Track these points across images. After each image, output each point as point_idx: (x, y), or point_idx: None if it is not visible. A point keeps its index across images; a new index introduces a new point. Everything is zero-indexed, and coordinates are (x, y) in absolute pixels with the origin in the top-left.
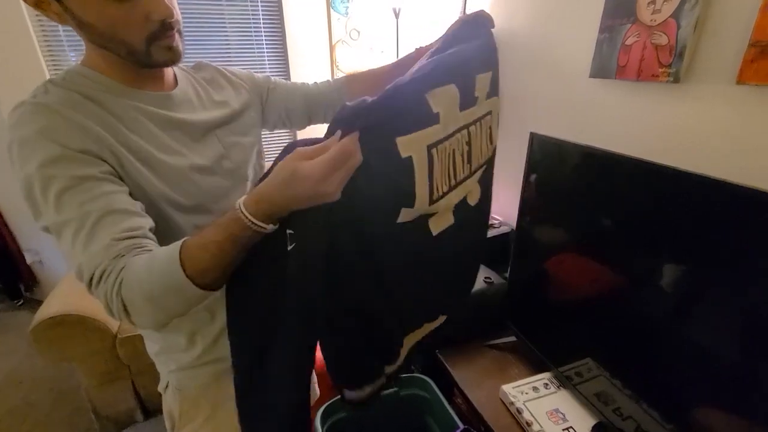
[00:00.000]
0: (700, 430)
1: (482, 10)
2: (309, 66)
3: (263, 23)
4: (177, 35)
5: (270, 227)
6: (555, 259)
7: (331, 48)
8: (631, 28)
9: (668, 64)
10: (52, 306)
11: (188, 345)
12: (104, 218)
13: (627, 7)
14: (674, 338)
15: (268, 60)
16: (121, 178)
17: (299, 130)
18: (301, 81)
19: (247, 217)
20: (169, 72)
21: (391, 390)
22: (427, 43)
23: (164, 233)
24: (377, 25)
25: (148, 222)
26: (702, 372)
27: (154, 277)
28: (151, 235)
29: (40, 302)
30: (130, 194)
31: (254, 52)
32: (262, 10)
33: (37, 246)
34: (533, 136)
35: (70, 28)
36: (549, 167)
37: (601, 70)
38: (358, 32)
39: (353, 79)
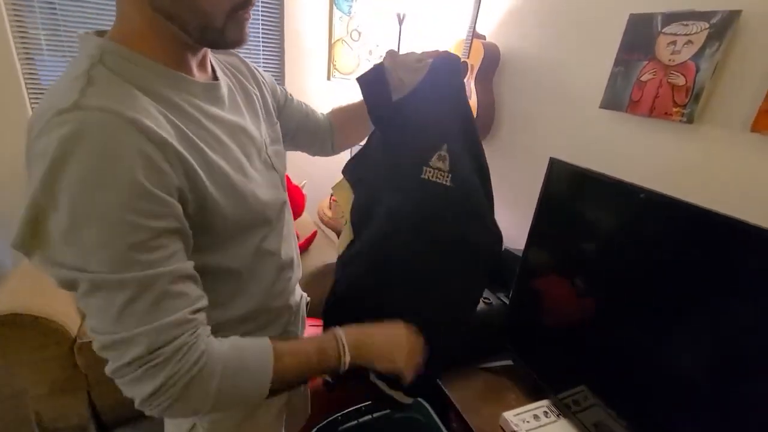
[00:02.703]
0: None
1: (456, 58)
2: (305, 61)
3: (261, 13)
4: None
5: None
6: (560, 287)
7: (330, 46)
8: (648, 65)
9: (683, 104)
10: None
11: None
12: (174, 286)
13: (646, 44)
14: (670, 372)
15: (263, 51)
16: (185, 211)
17: (288, 151)
18: (295, 80)
19: (342, 355)
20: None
21: (383, 412)
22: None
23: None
24: (379, 29)
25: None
26: (692, 406)
27: (243, 370)
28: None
29: None
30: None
31: (249, 41)
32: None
33: None
34: (552, 163)
35: (51, 27)
36: (566, 195)
37: (612, 102)
38: (359, 33)
39: (338, 111)
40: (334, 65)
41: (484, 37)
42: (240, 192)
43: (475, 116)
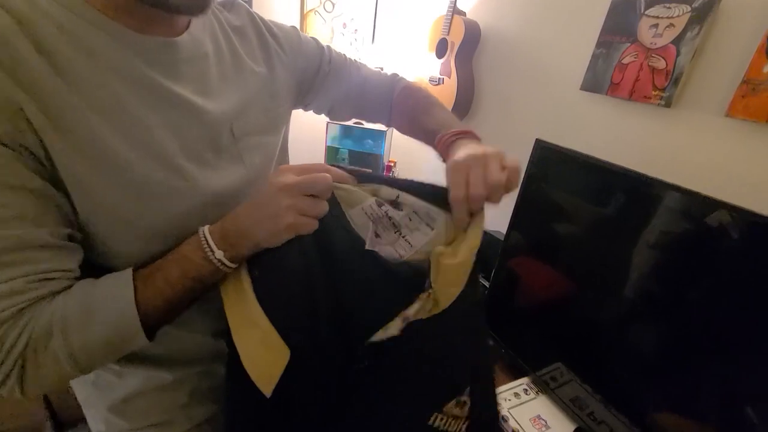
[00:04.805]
0: None
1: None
2: None
3: None
4: None
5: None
6: (540, 269)
7: (303, 17)
8: (629, 47)
9: (663, 87)
10: None
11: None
12: (12, 255)
13: (628, 26)
14: (640, 349)
15: None
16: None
17: (340, 122)
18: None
19: (210, 251)
20: None
21: None
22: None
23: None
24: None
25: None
26: (659, 379)
27: (96, 312)
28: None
29: None
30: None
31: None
32: None
33: None
34: (538, 144)
35: None
36: (552, 177)
37: (593, 84)
38: (333, 4)
39: (401, 98)
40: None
41: (464, 14)
42: (149, 189)
43: (454, 95)
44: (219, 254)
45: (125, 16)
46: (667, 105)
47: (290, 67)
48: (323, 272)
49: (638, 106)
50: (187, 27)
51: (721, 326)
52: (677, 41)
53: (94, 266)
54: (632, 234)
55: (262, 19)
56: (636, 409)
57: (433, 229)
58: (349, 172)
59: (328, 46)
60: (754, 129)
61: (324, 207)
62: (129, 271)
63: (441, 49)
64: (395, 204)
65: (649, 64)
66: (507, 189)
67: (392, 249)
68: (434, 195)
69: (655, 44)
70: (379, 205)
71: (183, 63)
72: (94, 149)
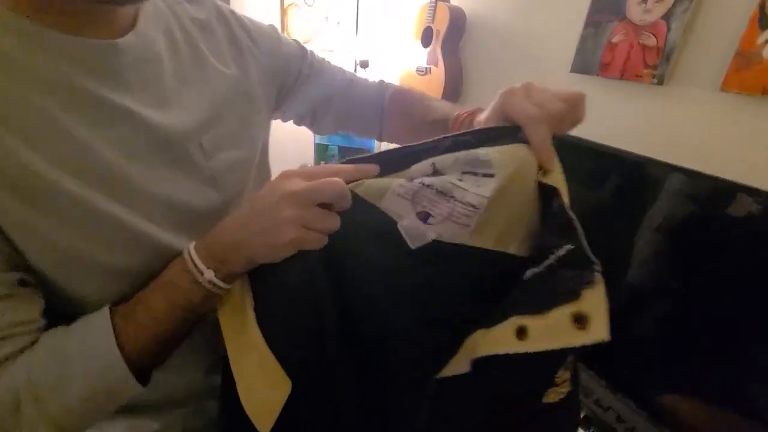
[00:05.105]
0: (672, 416)
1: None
2: None
3: None
4: None
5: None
6: None
7: (283, 11)
8: (618, 26)
9: (654, 65)
10: None
11: None
12: None
13: (616, 4)
14: (647, 330)
15: None
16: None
17: (322, 134)
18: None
19: (197, 271)
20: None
21: None
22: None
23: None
24: None
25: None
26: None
27: (68, 366)
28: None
29: None
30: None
31: None
32: None
33: None
34: None
35: None
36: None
37: (583, 65)
38: None
39: (395, 102)
40: (288, 34)
41: (448, 0)
42: (99, 223)
43: (443, 84)
44: (209, 275)
45: (50, 15)
46: (660, 83)
47: (267, 68)
48: (335, 291)
49: (630, 85)
50: (134, 26)
51: (726, 307)
52: (667, 16)
53: (63, 311)
54: (631, 217)
55: (232, 11)
56: (642, 394)
57: (493, 175)
58: (360, 161)
59: (311, 51)
60: (749, 102)
61: (335, 222)
62: (105, 311)
63: (426, 37)
64: (435, 173)
65: (640, 41)
66: (574, 121)
67: (453, 224)
68: (480, 140)
69: (645, 21)
70: (412, 179)
71: (128, 69)
72: (26, 183)
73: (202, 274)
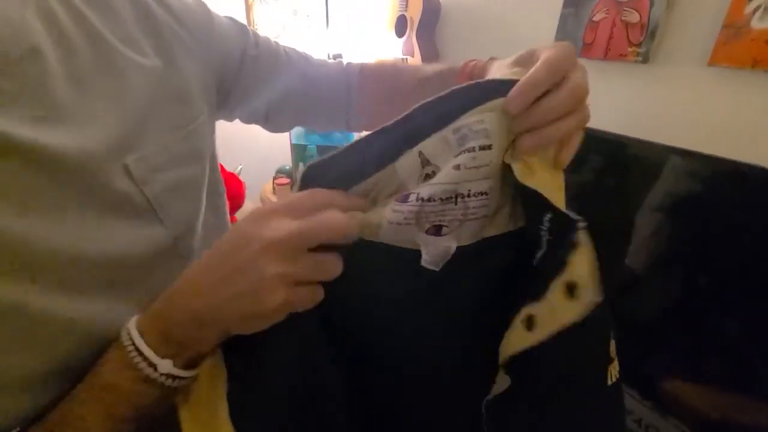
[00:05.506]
0: (676, 404)
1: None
2: None
3: None
4: None
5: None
6: None
7: (248, 6)
8: (599, 3)
9: (638, 43)
10: None
11: None
12: None
13: None
14: (648, 316)
15: None
16: None
17: (278, 132)
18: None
19: (145, 360)
20: None
21: None
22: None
23: None
24: None
25: None
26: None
27: None
28: None
29: None
30: None
31: None
32: None
33: None
34: None
35: None
36: None
37: None
38: None
39: (369, 74)
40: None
41: None
42: None
43: None
44: (165, 366)
45: None
46: (645, 61)
47: (201, 56)
48: (343, 353)
49: (615, 65)
50: None
51: (727, 288)
52: None
53: None
54: (622, 200)
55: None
56: (646, 382)
57: (491, 146)
58: (338, 157)
59: (252, 29)
60: (738, 76)
61: (335, 268)
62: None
63: (400, 26)
64: (427, 176)
65: (622, 18)
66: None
67: (471, 222)
68: (463, 105)
69: None
70: (405, 199)
71: None
72: None
73: (154, 368)
